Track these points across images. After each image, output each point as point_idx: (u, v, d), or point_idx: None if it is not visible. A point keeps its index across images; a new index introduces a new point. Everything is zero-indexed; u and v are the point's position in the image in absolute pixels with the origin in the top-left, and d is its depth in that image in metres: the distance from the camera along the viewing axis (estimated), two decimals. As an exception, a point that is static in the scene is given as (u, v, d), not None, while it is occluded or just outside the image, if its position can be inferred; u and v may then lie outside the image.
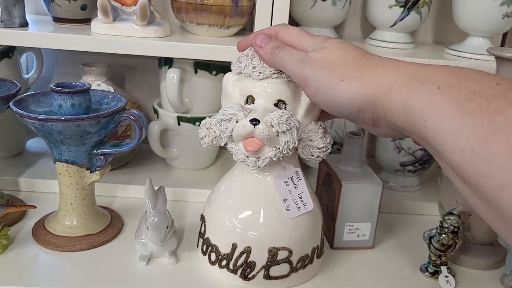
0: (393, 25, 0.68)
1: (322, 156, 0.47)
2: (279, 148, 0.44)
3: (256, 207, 0.49)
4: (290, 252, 0.49)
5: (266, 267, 0.49)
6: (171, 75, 0.65)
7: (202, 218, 0.54)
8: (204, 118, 0.69)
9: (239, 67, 0.47)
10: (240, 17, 0.64)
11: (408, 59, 0.60)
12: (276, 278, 0.49)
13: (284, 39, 0.43)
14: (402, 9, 0.66)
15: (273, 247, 0.48)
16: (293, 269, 0.50)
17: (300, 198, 0.49)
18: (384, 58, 0.38)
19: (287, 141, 0.43)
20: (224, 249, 0.50)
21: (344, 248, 0.58)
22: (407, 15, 0.67)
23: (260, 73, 0.46)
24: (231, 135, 0.44)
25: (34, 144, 0.78)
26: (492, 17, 0.64)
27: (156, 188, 0.53)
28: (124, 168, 0.72)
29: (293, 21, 0.60)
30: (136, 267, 0.52)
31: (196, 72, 0.68)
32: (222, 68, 0.69)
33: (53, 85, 0.52)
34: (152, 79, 0.79)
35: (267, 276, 0.49)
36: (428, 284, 0.54)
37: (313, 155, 0.47)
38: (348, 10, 0.69)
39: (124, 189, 0.67)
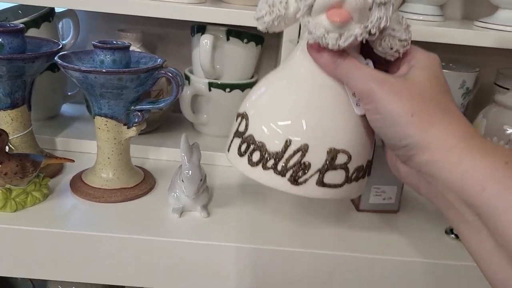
0: (423, -3, 0.68)
1: (401, 51, 0.41)
2: (367, 26, 0.37)
3: (319, 100, 0.42)
4: (349, 157, 0.42)
5: (322, 171, 0.42)
6: (205, 41, 0.67)
7: (242, 115, 0.45)
8: (234, 84, 0.72)
9: None
10: (273, -15, 0.65)
11: (438, 30, 0.62)
12: (330, 186, 0.43)
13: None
14: (433, -20, 0.67)
15: (334, 148, 0.41)
16: (348, 179, 0.43)
17: None
18: (460, 115, 0.37)
19: (380, 17, 0.37)
20: (274, 146, 0.42)
21: (370, 210, 0.60)
22: (438, -13, 0.67)
23: None
24: (313, 5, 0.38)
25: (68, 109, 0.81)
26: (523, -11, 0.64)
27: (190, 144, 0.55)
28: (154, 133, 0.75)
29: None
30: (169, 218, 0.54)
31: (228, 39, 0.69)
32: (253, 36, 0.70)
33: (95, 42, 0.54)
34: (183, 49, 0.81)
35: (321, 182, 0.42)
36: (453, 246, 0.55)
37: (392, 48, 0.41)
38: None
39: (156, 151, 0.70)
